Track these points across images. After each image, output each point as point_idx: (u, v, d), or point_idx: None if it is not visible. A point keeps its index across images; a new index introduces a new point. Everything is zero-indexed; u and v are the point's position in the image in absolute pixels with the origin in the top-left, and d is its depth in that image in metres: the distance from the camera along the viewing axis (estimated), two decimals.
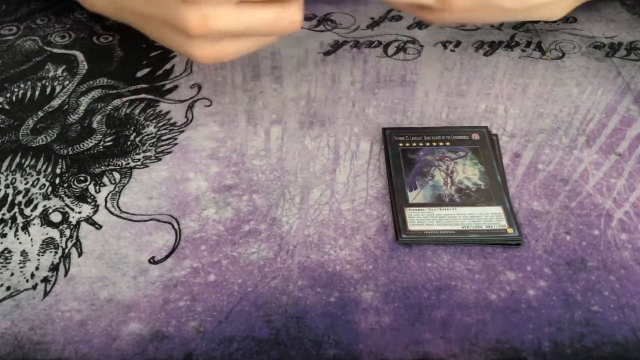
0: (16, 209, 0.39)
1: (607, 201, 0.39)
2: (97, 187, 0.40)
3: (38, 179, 0.40)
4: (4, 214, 0.38)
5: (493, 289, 0.34)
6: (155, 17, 0.38)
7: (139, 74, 0.49)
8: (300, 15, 0.37)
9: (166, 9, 0.37)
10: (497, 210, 0.37)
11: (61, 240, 0.37)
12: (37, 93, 0.47)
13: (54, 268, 0.35)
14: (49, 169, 0.41)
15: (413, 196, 0.38)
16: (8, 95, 0.47)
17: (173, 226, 0.38)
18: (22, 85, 0.48)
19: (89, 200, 0.39)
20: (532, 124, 0.44)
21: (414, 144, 0.42)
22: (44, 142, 0.43)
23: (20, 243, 0.37)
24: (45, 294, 0.34)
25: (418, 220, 0.37)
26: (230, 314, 0.33)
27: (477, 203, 0.38)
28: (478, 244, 0.36)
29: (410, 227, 0.37)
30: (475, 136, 0.42)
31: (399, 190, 0.39)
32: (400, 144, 0.42)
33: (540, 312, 0.33)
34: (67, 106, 0.46)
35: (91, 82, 0.48)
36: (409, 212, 0.37)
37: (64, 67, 0.50)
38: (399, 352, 0.31)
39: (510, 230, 0.36)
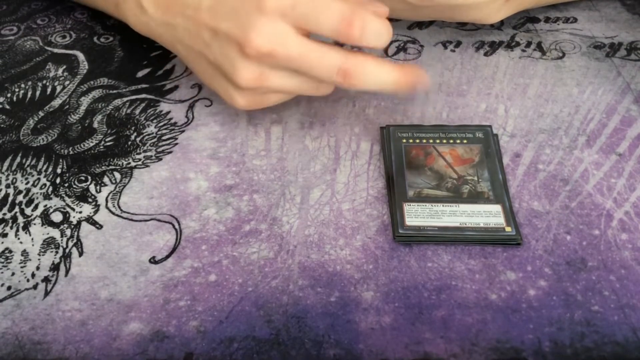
0: (17, 209, 0.39)
1: (608, 201, 0.39)
2: (98, 187, 0.40)
3: (39, 179, 0.40)
4: (4, 214, 0.38)
5: (493, 288, 0.34)
6: (210, 60, 0.40)
7: (140, 74, 0.49)
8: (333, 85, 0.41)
9: (224, 56, 0.38)
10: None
11: (62, 240, 0.37)
12: (37, 93, 0.47)
13: (55, 268, 0.35)
14: (50, 169, 0.41)
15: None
16: (9, 95, 0.47)
17: (174, 226, 0.38)
18: (22, 85, 0.48)
19: (90, 200, 0.39)
20: (532, 124, 0.44)
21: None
22: (44, 142, 0.43)
23: (21, 243, 0.37)
24: (46, 293, 0.34)
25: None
26: (231, 313, 0.33)
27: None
28: (478, 243, 0.36)
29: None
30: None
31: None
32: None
33: (540, 312, 0.33)
34: (67, 106, 0.46)
35: (92, 82, 0.48)
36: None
37: (64, 67, 0.50)
38: (400, 351, 0.31)
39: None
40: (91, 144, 0.43)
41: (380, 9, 0.39)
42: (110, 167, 0.41)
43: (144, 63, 0.50)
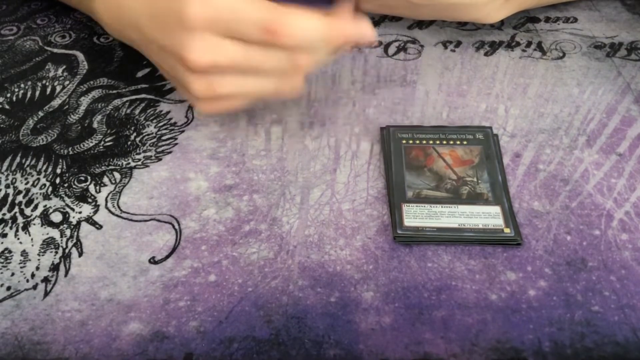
0: (16, 209, 0.39)
1: (608, 201, 0.39)
2: (98, 187, 0.40)
3: (38, 179, 0.40)
4: (4, 214, 0.38)
5: (493, 289, 0.34)
6: (166, 70, 0.40)
7: (139, 74, 0.49)
8: (301, 81, 0.38)
9: (175, 70, 0.38)
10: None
11: (61, 240, 0.37)
12: (37, 93, 0.47)
13: (55, 268, 0.35)
14: (50, 169, 0.41)
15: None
16: (8, 95, 0.47)
17: (173, 226, 0.38)
18: (22, 85, 0.48)
19: (90, 200, 0.39)
20: (532, 124, 0.44)
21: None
22: (44, 142, 0.43)
23: (20, 243, 0.37)
24: (46, 294, 0.34)
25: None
26: (231, 314, 0.33)
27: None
28: (477, 243, 0.36)
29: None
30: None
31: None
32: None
33: (540, 312, 0.33)
34: (67, 106, 0.46)
35: (91, 82, 0.48)
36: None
37: (64, 67, 0.50)
38: (400, 352, 0.31)
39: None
40: (91, 144, 0.43)
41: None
42: (110, 167, 0.41)
43: (143, 63, 0.50)
